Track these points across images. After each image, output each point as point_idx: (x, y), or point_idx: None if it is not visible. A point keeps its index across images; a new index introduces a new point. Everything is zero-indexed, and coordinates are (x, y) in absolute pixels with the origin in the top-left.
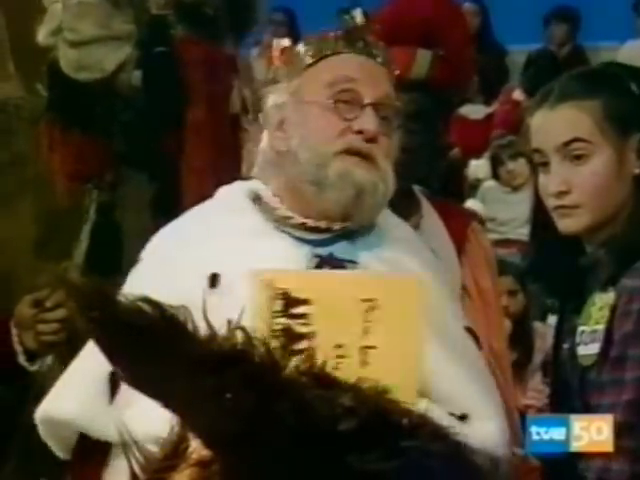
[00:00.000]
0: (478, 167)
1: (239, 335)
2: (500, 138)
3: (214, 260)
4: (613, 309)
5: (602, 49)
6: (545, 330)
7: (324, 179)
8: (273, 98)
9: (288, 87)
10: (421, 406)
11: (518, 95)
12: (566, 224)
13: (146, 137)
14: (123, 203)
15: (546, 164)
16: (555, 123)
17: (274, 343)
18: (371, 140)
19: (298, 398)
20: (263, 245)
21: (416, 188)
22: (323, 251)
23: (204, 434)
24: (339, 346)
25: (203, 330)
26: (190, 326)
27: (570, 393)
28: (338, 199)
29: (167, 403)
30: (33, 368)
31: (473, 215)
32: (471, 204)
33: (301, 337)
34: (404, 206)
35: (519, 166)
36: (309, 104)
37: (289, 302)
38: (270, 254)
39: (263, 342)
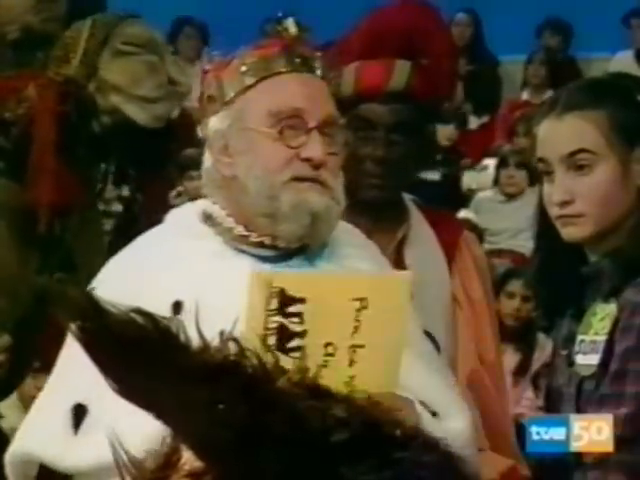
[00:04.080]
0: (471, 177)
1: (231, 346)
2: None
3: (177, 287)
4: (615, 321)
5: (594, 60)
6: (545, 342)
7: (277, 211)
8: (215, 122)
9: (229, 112)
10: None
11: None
12: (569, 232)
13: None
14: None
15: (550, 173)
16: (561, 133)
17: (268, 340)
18: (319, 166)
19: (291, 409)
20: (224, 268)
21: (406, 197)
22: (282, 267)
23: (196, 445)
24: (328, 344)
25: (195, 341)
26: (182, 337)
27: (564, 400)
28: (293, 230)
29: (159, 414)
30: None
31: (467, 225)
32: (464, 214)
33: (294, 335)
34: (391, 216)
35: (520, 175)
36: (253, 132)
37: (285, 301)
38: (232, 276)
39: (256, 353)
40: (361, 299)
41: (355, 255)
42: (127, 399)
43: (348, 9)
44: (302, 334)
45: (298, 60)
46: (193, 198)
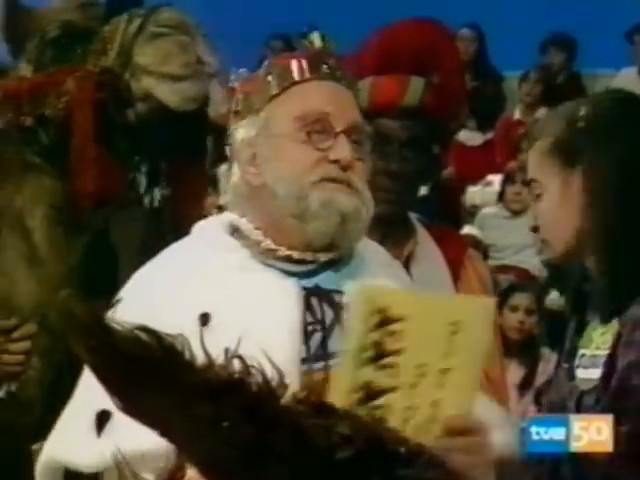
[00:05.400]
0: (475, 193)
1: (236, 364)
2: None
3: (203, 299)
4: (617, 336)
5: (599, 76)
6: (550, 356)
7: (306, 210)
8: (242, 132)
9: (256, 121)
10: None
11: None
12: (545, 255)
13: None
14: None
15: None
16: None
17: (366, 354)
18: (347, 168)
19: (295, 427)
20: (251, 282)
21: (412, 215)
22: (309, 283)
23: (201, 462)
24: (420, 366)
25: (200, 359)
26: (187, 355)
27: (565, 413)
28: (322, 229)
29: (164, 432)
30: None
31: (471, 241)
32: (467, 230)
33: (389, 353)
34: (398, 233)
35: (526, 191)
36: (280, 137)
37: (385, 318)
38: (259, 291)
39: (260, 371)
40: (455, 323)
41: (381, 274)
42: (132, 416)
43: (354, 25)
44: (397, 352)
45: (324, 68)
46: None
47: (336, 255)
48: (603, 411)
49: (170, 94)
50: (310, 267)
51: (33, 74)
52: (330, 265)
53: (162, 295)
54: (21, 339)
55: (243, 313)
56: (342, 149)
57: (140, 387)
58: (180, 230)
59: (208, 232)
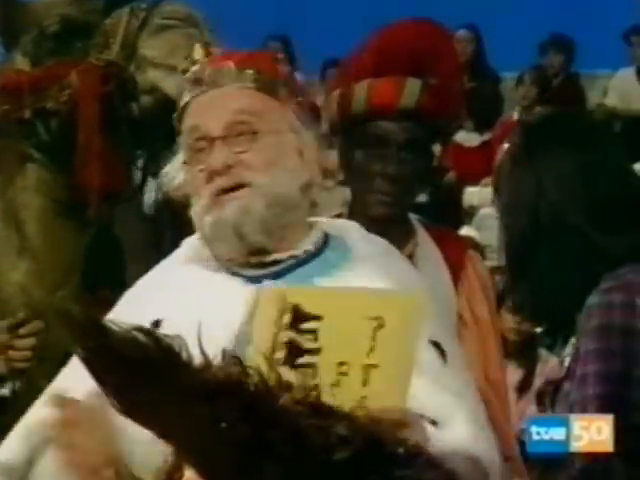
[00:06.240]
0: (473, 194)
1: (233, 365)
2: None
3: (163, 308)
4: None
5: (597, 77)
6: (548, 357)
7: (205, 236)
8: (176, 162)
9: (181, 152)
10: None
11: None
12: None
13: None
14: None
15: None
16: None
17: (276, 354)
18: (222, 173)
19: (293, 427)
20: (214, 290)
21: (412, 216)
22: (276, 284)
23: (199, 463)
24: (342, 363)
25: (198, 360)
26: (185, 356)
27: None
28: (226, 248)
29: (162, 432)
30: (1, 392)
31: (470, 243)
32: (465, 231)
33: (305, 352)
34: (398, 234)
35: None
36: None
37: (298, 316)
38: (221, 297)
39: (258, 371)
40: (378, 317)
41: (363, 266)
42: (129, 417)
43: (353, 26)
44: (315, 351)
45: (204, 80)
46: None
47: (279, 252)
48: (572, 401)
49: (177, 87)
50: (277, 268)
51: (31, 68)
52: (302, 261)
53: (125, 308)
54: (27, 335)
55: (192, 319)
56: (211, 158)
57: (137, 388)
58: (182, 228)
59: (191, 245)
